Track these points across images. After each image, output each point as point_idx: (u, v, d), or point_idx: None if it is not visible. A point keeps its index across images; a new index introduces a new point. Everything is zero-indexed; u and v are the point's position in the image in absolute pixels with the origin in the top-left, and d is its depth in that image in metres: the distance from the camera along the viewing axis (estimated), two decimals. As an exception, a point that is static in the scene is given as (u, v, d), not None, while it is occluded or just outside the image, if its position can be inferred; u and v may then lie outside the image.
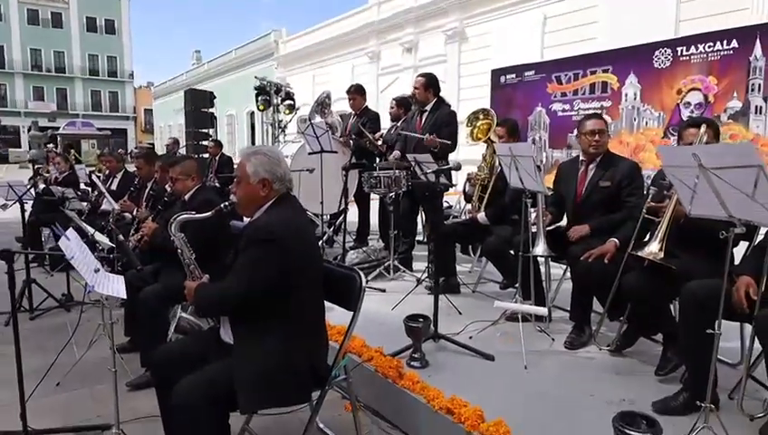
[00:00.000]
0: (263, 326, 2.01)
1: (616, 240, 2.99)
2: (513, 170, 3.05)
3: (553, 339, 3.27)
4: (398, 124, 5.31)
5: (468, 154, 4.85)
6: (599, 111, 7.14)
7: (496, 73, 9.52)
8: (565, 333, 3.28)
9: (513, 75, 9.25)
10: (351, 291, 2.22)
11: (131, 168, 5.32)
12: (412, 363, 2.90)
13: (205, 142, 10.02)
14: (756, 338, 2.09)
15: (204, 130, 10.64)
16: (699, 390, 2.09)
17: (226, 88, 25.77)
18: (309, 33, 21.31)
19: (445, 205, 6.16)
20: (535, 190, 3.07)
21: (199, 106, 10.57)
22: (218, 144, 8.71)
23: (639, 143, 7.75)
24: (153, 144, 31.06)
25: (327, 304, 2.26)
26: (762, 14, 8.38)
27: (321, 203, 4.93)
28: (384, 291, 4.28)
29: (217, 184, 7.52)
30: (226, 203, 2.25)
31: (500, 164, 3.56)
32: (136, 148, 20.42)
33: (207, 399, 1.86)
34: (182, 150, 10.24)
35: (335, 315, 2.65)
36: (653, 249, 2.57)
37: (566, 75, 8.51)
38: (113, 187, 5.53)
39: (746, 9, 8.74)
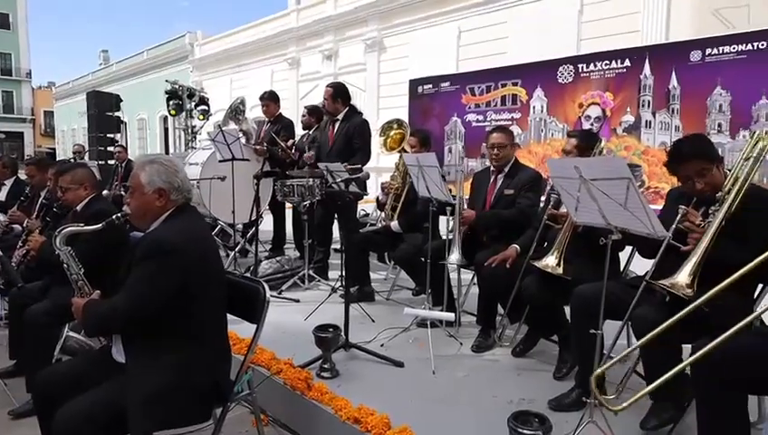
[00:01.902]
0: (158, 342, 1.92)
1: (517, 246, 3.14)
2: (421, 180, 3.13)
3: (461, 343, 3.37)
4: (311, 133, 5.29)
5: (388, 162, 4.91)
6: (504, 124, 7.46)
7: (414, 83, 9.73)
8: (473, 337, 3.40)
9: (430, 86, 9.50)
10: (255, 303, 2.17)
11: (24, 175, 4.91)
12: (322, 374, 2.88)
13: (111, 148, 9.46)
14: (634, 335, 2.26)
15: (110, 135, 10.04)
16: (588, 386, 2.22)
17: (137, 91, 24.48)
18: (226, 37, 20.74)
19: (361, 213, 6.20)
20: (441, 199, 3.16)
21: (104, 109, 9.97)
22: (125, 150, 8.25)
23: (547, 153, 8.18)
24: (54, 149, 28.85)
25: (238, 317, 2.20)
26: (650, 37, 9.17)
27: (233, 212, 4.79)
28: (298, 301, 4.23)
29: (123, 192, 7.11)
30: (119, 214, 2.13)
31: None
32: (35, 153, 18.90)
33: (93, 425, 1.74)
34: (86, 157, 9.61)
35: (244, 328, 2.58)
36: (549, 262, 2.73)
37: (479, 87, 8.84)
38: (1, 196, 5.08)
39: (638, 31, 9.53)
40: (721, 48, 6.03)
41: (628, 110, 7.12)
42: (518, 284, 2.98)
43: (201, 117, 9.48)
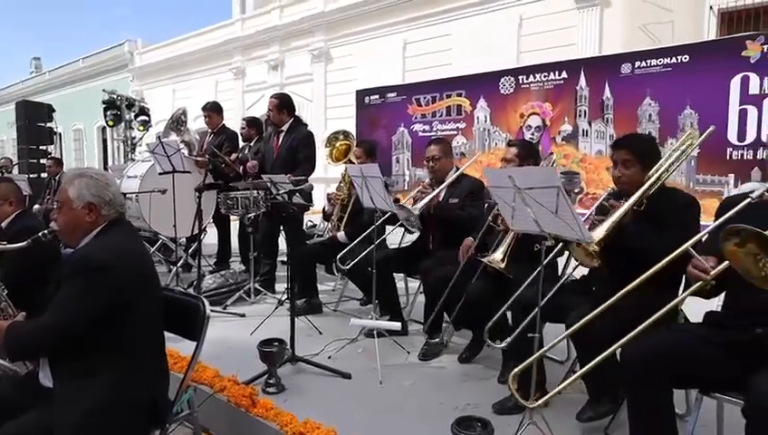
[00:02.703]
0: (90, 364, 1.83)
1: (471, 238, 3.17)
2: (365, 190, 3.14)
3: (408, 352, 3.39)
4: (251, 145, 5.22)
5: (336, 173, 4.90)
6: (443, 136, 7.61)
7: (361, 94, 9.77)
8: (420, 345, 3.43)
9: (377, 96, 9.56)
10: (195, 320, 2.11)
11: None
12: (268, 389, 2.83)
13: (43, 161, 8.99)
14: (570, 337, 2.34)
15: (42, 147, 9.53)
16: (529, 389, 2.29)
17: (73, 100, 23.40)
18: (168, 45, 20.20)
19: (309, 224, 6.15)
20: (385, 209, 3.19)
21: (35, 120, 9.47)
22: (58, 162, 7.86)
23: (491, 162, 8.38)
24: (-19, 162, 27.08)
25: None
26: (585, 50, 9.61)
27: (175, 226, 4.65)
28: (244, 316, 4.14)
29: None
30: (45, 231, 2.02)
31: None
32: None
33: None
34: (15, 170, 9.08)
35: (187, 346, 2.49)
36: (496, 257, 2.79)
37: (425, 98, 8.97)
38: None
39: (574, 45, 9.96)
40: (649, 61, 6.36)
41: (566, 119, 7.38)
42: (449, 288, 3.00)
43: (141, 128, 9.15)
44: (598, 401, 2.35)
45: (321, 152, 4.48)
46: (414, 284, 4.04)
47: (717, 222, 1.81)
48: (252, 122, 5.52)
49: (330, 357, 3.32)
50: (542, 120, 7.67)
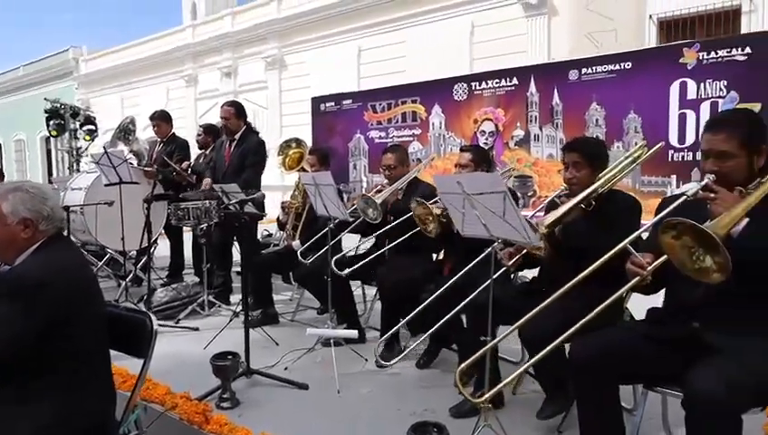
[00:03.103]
0: (30, 388, 1.74)
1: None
2: (318, 198, 3.12)
3: (366, 359, 3.38)
4: (207, 152, 5.12)
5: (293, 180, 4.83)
6: (400, 142, 7.66)
7: (316, 101, 9.73)
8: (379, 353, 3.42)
9: (333, 103, 9.54)
10: (141, 336, 2.04)
11: None
12: (222, 405, 2.76)
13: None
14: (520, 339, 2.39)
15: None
16: (486, 391, 2.31)
17: (14, 109, 22.36)
18: (116, 52, 19.58)
19: (264, 233, 6.06)
20: (338, 217, 3.18)
21: (-28, 131, 8.97)
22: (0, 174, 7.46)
23: (447, 168, 8.48)
24: None
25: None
26: (535, 57, 9.88)
27: (123, 239, 4.49)
28: (197, 329, 4.04)
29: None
30: (-22, 249, 1.91)
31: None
32: None
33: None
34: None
35: (136, 364, 2.40)
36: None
37: (380, 105, 9.00)
38: None
39: (524, 52, 10.22)
40: (594, 68, 6.58)
41: (518, 124, 7.54)
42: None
43: (87, 138, 8.80)
44: (554, 398, 2.40)
45: (274, 161, 4.42)
46: (371, 290, 4.03)
47: (655, 219, 1.89)
48: (209, 130, 5.41)
49: (286, 368, 3.27)
50: (495, 125, 7.82)
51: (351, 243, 4.23)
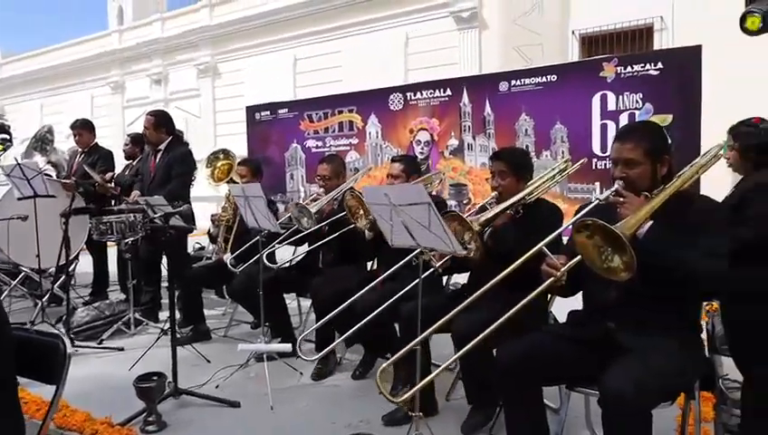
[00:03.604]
0: None
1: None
2: (248, 211, 3.06)
3: (301, 373, 3.33)
4: (134, 163, 4.90)
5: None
6: (335, 153, 7.66)
7: (251, 110, 9.55)
8: (313, 366, 3.37)
9: (268, 112, 9.39)
10: (53, 361, 1.91)
11: None
12: (147, 428, 2.64)
13: None
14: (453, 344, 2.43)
15: None
16: (420, 399, 2.33)
17: None
18: (35, 57, 18.45)
19: (196, 246, 5.87)
20: (269, 229, 3.12)
21: None
22: None
23: (384, 177, 8.51)
24: None
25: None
26: (467, 69, 10.18)
27: (38, 256, 4.21)
28: (122, 349, 3.84)
29: None
30: None
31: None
32: None
33: None
34: None
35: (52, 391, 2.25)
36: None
37: (317, 114, 8.96)
38: None
39: (457, 64, 10.50)
40: (523, 80, 6.84)
41: (453, 134, 7.71)
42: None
43: (0, 147, 8.20)
44: (478, 408, 2.45)
45: (203, 173, 4.29)
46: (307, 302, 3.98)
47: (569, 222, 1.99)
48: (136, 139, 5.18)
49: (217, 386, 3.16)
50: (431, 135, 7.95)
51: (288, 254, 4.17)
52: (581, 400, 2.32)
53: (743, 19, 3.42)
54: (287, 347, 3.16)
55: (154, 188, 4.02)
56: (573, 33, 9.56)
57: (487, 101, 7.24)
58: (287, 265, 3.94)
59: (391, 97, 8.13)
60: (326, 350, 2.69)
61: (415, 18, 11.09)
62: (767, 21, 3.25)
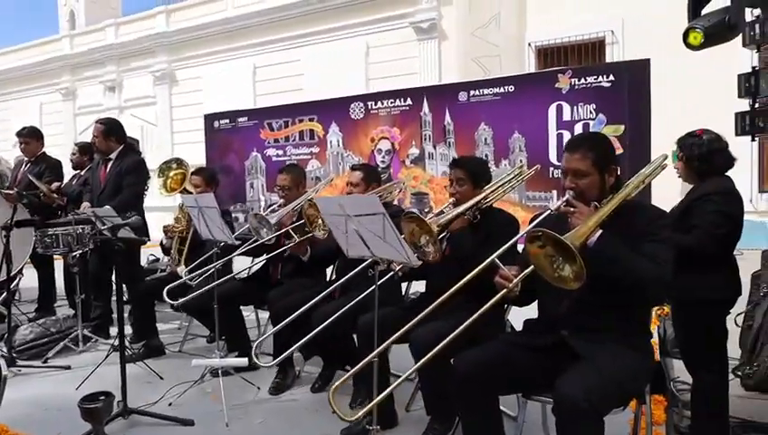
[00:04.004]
0: None
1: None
2: (202, 221, 2.97)
3: (259, 388, 3.25)
4: (82, 173, 4.72)
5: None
6: (295, 162, 7.60)
7: (210, 118, 9.37)
8: (272, 379, 3.30)
9: (227, 121, 9.23)
10: (-14, 385, 1.80)
11: None
12: (93, 451, 2.50)
13: None
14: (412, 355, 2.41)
15: None
16: (378, 410, 2.30)
17: None
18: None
19: (151, 258, 5.70)
20: (223, 241, 3.05)
21: None
22: None
23: (345, 186, 8.47)
24: None
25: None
26: (427, 79, 10.30)
27: (-23, 271, 3.98)
28: (69, 368, 3.66)
29: None
30: None
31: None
32: None
33: None
34: None
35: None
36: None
37: (277, 123, 8.85)
38: None
39: (417, 74, 10.61)
40: (481, 90, 6.94)
41: (414, 143, 7.73)
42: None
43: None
44: (437, 418, 2.45)
45: (155, 183, 4.15)
46: (266, 315, 3.89)
47: (522, 232, 2.01)
48: (84, 148, 4.99)
49: (170, 404, 3.05)
50: (392, 144, 7.96)
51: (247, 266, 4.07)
52: (539, 406, 2.34)
53: (685, 35, 3.57)
54: (243, 361, 3.08)
55: (104, 199, 3.86)
56: (530, 45, 9.80)
57: (447, 111, 7.30)
58: (244, 275, 3.85)
59: (352, 106, 8.12)
60: (282, 356, 2.61)
61: (375, 28, 11.15)
62: (708, 36, 3.40)
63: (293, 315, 2.52)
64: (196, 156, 9.69)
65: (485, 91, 6.89)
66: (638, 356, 1.90)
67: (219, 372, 3.08)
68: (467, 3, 9.97)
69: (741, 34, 3.70)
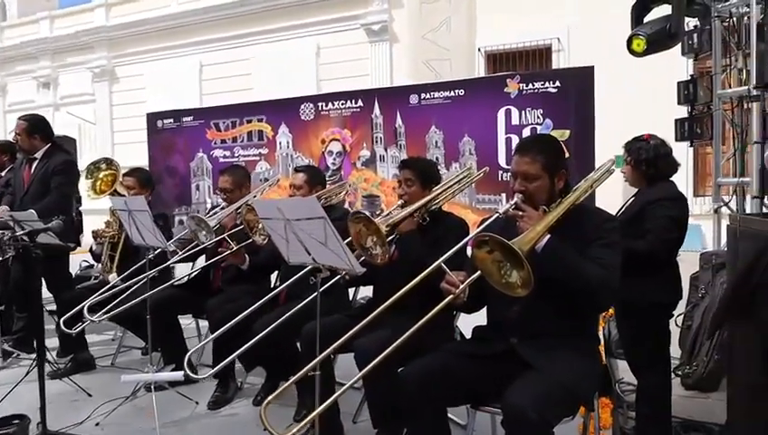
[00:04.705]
0: None
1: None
2: (133, 226, 2.77)
3: (197, 402, 3.06)
4: (2, 174, 4.36)
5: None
6: (239, 163, 7.38)
7: (152, 117, 8.99)
8: (211, 392, 3.12)
9: (172, 120, 8.88)
10: None
11: None
12: (5, 481, 2.26)
13: None
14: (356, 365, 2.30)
15: None
16: (321, 422, 2.18)
17: None
18: None
19: (83, 265, 5.36)
20: (156, 246, 2.85)
21: None
22: None
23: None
24: None
25: None
26: (379, 81, 10.25)
27: None
28: (-16, 386, 3.34)
29: None
30: None
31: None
32: None
33: None
34: None
35: None
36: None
37: (224, 123, 8.60)
38: None
39: (368, 75, 10.54)
40: (432, 93, 6.93)
41: (365, 145, 7.65)
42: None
43: None
44: (383, 431, 2.35)
45: (83, 185, 3.87)
46: (206, 323, 3.69)
47: (470, 236, 1.95)
48: (5, 147, 4.61)
49: (98, 424, 2.82)
50: (343, 145, 7.85)
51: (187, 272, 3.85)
52: (488, 415, 2.28)
53: (629, 41, 3.65)
54: (178, 375, 2.88)
55: (27, 202, 3.56)
56: (479, 50, 9.90)
57: (398, 113, 7.26)
58: (184, 281, 3.64)
59: (302, 107, 7.96)
60: (218, 366, 2.43)
61: (326, 29, 11.02)
62: (651, 44, 3.49)
63: (231, 323, 2.36)
64: (138, 156, 9.28)
65: (436, 95, 6.88)
66: (588, 362, 1.87)
67: (153, 386, 2.87)
68: (418, 6, 9.99)
69: (680, 44, 3.84)
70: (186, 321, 3.56)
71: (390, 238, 2.39)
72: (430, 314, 1.71)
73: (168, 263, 3.29)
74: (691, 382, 3.32)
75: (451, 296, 1.73)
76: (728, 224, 2.56)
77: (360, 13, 10.58)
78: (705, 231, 7.09)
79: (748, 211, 3.51)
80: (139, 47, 12.75)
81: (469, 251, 2.21)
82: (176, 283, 3.28)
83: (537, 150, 1.92)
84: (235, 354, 2.35)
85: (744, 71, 3.56)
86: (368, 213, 2.28)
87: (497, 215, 1.89)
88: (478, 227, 2.13)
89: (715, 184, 3.97)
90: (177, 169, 8.68)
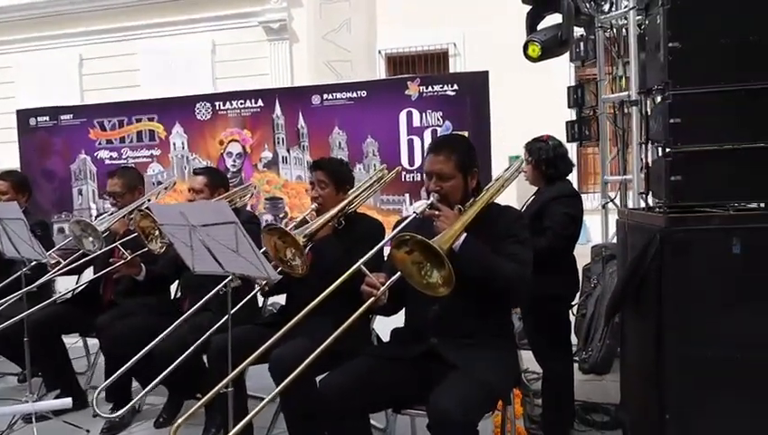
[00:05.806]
0: None
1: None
2: (5, 236, 2.43)
3: (87, 431, 2.75)
4: None
5: None
6: (130, 165, 6.87)
7: (24, 114, 8.08)
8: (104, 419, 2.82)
9: (47, 118, 8.03)
10: None
11: None
12: None
13: None
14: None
15: None
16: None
17: None
18: None
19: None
20: (36, 258, 2.53)
21: None
22: None
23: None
24: None
25: None
26: (279, 81, 10.03)
27: None
28: None
29: None
30: None
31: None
32: None
33: None
34: None
35: None
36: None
37: (110, 121, 7.95)
38: None
39: (268, 75, 10.27)
40: (335, 94, 6.87)
41: (266, 146, 7.42)
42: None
43: None
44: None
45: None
46: (93, 341, 3.35)
47: (388, 237, 1.92)
48: None
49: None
50: (243, 147, 7.55)
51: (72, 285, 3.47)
52: (408, 418, 2.27)
53: (525, 47, 3.85)
54: (65, 402, 2.57)
55: None
56: (380, 52, 10.02)
57: (301, 114, 7.13)
58: (68, 296, 3.28)
59: (198, 106, 7.56)
60: (126, 407, 2.19)
61: (222, 25, 10.60)
62: (545, 50, 3.70)
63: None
64: (8, 158, 8.33)
65: (339, 96, 6.84)
66: (505, 357, 1.91)
67: (33, 417, 2.54)
68: (318, 6, 9.90)
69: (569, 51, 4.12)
70: (71, 340, 3.20)
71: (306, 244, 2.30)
72: (352, 318, 1.66)
73: (48, 276, 2.93)
74: (587, 367, 3.58)
75: (373, 299, 1.69)
76: (617, 218, 2.78)
77: (258, 10, 10.30)
78: (590, 225, 7.71)
79: (631, 206, 3.84)
80: (7, 36, 11.45)
81: (386, 252, 2.20)
82: (59, 299, 2.94)
83: (450, 149, 1.94)
84: (147, 389, 2.13)
85: (624, 78, 3.90)
86: (273, 218, 2.18)
87: (414, 215, 1.88)
88: (394, 228, 2.11)
89: (602, 182, 4.30)
90: (56, 172, 7.92)
